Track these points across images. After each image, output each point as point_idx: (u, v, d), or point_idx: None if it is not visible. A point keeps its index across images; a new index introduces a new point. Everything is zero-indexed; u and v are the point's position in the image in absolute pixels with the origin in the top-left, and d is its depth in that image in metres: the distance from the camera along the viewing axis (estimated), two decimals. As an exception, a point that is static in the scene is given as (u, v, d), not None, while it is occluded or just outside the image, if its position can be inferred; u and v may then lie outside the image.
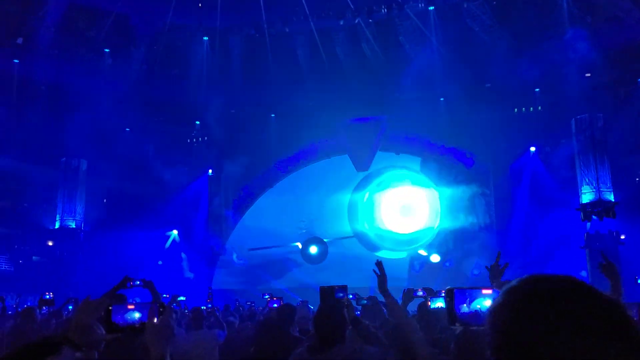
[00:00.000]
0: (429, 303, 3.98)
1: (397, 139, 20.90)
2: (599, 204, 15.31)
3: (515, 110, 18.25)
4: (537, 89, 18.22)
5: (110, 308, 1.69)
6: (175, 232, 20.97)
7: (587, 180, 15.66)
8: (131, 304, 1.75)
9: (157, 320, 1.60)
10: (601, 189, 15.42)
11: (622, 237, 15.16)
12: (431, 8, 17.64)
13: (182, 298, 7.17)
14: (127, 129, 20.53)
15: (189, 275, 20.26)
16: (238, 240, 22.41)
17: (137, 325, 1.67)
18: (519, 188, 18.25)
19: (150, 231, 20.33)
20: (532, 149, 18.24)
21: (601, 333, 0.79)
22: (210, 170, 21.06)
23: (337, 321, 2.97)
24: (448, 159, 20.66)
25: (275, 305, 6.45)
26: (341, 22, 18.54)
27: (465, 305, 1.55)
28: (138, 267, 17.82)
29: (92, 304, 1.71)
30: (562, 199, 17.17)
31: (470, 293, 1.55)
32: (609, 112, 15.82)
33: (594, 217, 15.39)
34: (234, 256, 22.42)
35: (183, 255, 20.70)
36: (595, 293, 0.84)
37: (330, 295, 3.33)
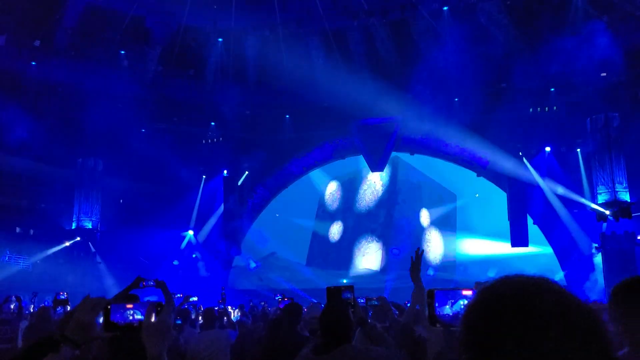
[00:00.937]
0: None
1: (412, 140, 20.82)
2: (614, 204, 15.13)
3: (531, 110, 18.09)
4: (552, 89, 18.02)
5: (109, 307, 1.72)
6: (191, 232, 21.13)
7: (602, 180, 15.48)
8: (130, 303, 1.78)
9: (155, 319, 1.63)
10: (617, 189, 15.24)
11: (639, 237, 14.95)
12: (445, 8, 17.58)
13: (194, 298, 7.25)
14: (143, 130, 20.73)
15: (204, 274, 20.40)
16: (252, 241, 22.57)
17: (135, 325, 1.71)
18: (535, 188, 18.08)
19: (166, 231, 20.51)
20: (548, 148, 18.05)
21: (567, 335, 0.81)
22: (225, 171, 21.17)
23: (343, 321, 2.99)
24: (463, 159, 20.55)
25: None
26: (355, 23, 18.54)
27: (447, 307, 1.56)
28: (154, 267, 18.02)
29: (92, 302, 1.75)
30: (578, 200, 17.00)
31: (453, 294, 1.56)
32: (624, 111, 15.63)
33: (609, 217, 15.20)
34: (251, 263, 22.65)
35: (197, 254, 20.84)
36: (566, 295, 0.87)
37: (337, 295, 3.35)
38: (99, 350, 2.32)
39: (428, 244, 24.49)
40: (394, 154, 21.78)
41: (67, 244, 18.07)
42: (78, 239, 18.15)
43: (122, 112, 18.74)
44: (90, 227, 18.49)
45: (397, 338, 3.78)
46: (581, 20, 15.76)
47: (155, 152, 20.10)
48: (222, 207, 21.18)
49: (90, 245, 18.33)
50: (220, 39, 19.83)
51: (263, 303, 11.37)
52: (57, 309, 6.07)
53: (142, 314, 1.69)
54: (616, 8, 15.53)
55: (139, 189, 19.93)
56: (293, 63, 19.81)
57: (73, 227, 18.41)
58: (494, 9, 17.12)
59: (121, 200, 20.87)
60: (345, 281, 21.31)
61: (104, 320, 1.70)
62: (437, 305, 1.56)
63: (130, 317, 1.70)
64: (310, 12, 18.93)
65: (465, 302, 1.53)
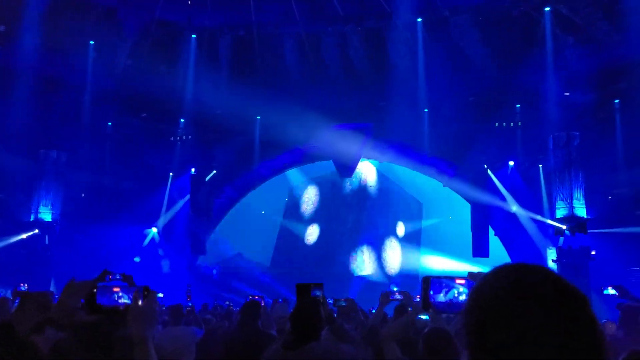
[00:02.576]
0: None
1: (381, 147, 21.09)
2: (572, 220, 15.70)
3: (497, 124, 18.57)
4: (518, 105, 18.57)
5: (94, 290, 1.74)
6: (154, 229, 20.82)
7: (561, 195, 16.04)
8: (117, 286, 1.80)
9: (142, 303, 1.66)
10: (574, 205, 15.81)
11: (593, 252, 15.53)
12: (419, 20, 17.89)
13: (160, 295, 7.19)
14: (110, 123, 20.37)
15: (168, 270, 20.14)
16: (217, 242, 22.42)
17: (121, 308, 1.72)
18: (497, 201, 18.55)
19: (129, 228, 20.17)
20: (511, 163, 18.56)
21: (563, 319, 0.89)
22: (193, 169, 20.96)
23: (313, 318, 3.05)
24: (430, 169, 20.93)
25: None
26: (330, 28, 18.68)
27: (441, 295, 1.64)
28: (114, 263, 17.67)
29: (77, 286, 1.76)
30: (537, 213, 17.54)
31: (447, 283, 1.65)
32: (585, 130, 16.23)
33: (566, 232, 15.74)
34: (214, 272, 22.50)
35: (161, 252, 20.56)
36: (564, 281, 0.95)
37: (307, 292, 3.40)
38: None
39: (391, 252, 24.80)
40: (364, 160, 22.03)
41: (24, 236, 17.56)
42: (36, 231, 17.66)
43: (89, 104, 18.37)
44: (50, 219, 18.00)
45: (365, 338, 3.86)
46: (548, 40, 16.30)
47: (122, 147, 19.77)
48: (188, 206, 20.97)
49: (46, 238, 17.82)
50: (193, 35, 19.66)
51: (228, 302, 11.32)
52: (16, 301, 5.94)
53: (128, 298, 1.72)
54: (581, 30, 16.12)
55: (103, 183, 19.53)
56: (266, 64, 19.82)
57: (31, 219, 17.90)
58: (466, 24, 17.52)
59: (83, 194, 20.42)
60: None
61: (89, 303, 1.71)
62: (432, 292, 1.63)
63: (118, 300, 1.72)
64: (286, 15, 18.97)
65: (460, 290, 1.62)
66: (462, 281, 1.65)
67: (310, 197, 26.46)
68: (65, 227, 18.55)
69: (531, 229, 17.68)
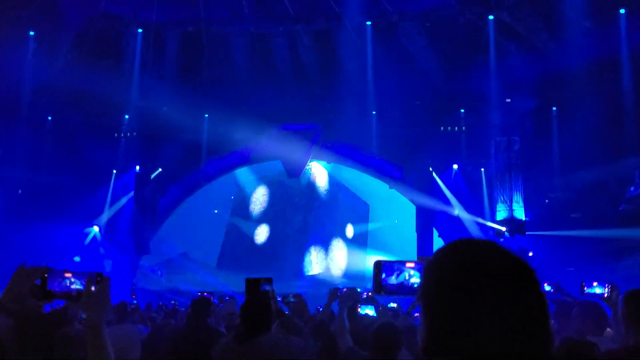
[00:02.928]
0: (359, 309, 4.09)
1: (330, 148, 21.26)
2: (511, 222, 16.37)
3: (442, 128, 19.10)
4: (462, 110, 19.18)
5: (46, 276, 1.70)
6: (96, 228, 20.15)
7: (502, 198, 16.69)
8: (69, 272, 1.76)
9: (95, 289, 1.63)
10: (514, 207, 16.50)
11: (530, 254, 16.22)
12: (368, 23, 18.16)
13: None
14: (49, 118, 19.58)
15: (109, 270, 19.52)
16: (162, 242, 21.93)
17: (73, 294, 1.69)
18: (441, 203, 19.07)
19: (70, 227, 19.43)
20: (455, 166, 19.13)
21: (511, 289, 0.95)
22: (137, 167, 20.42)
23: (264, 311, 3.08)
24: (377, 170, 21.26)
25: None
26: (280, 28, 18.67)
27: (393, 277, 1.69)
28: (53, 263, 16.96)
29: (27, 271, 1.72)
30: (479, 215, 18.16)
31: (398, 266, 1.70)
32: (525, 136, 16.95)
33: (505, 233, 16.40)
34: (158, 273, 22.03)
35: (102, 250, 19.92)
36: (512, 254, 1.02)
37: (256, 287, 3.41)
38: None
39: (338, 252, 25.03)
40: (312, 160, 22.13)
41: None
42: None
43: (27, 98, 17.59)
44: (-16, 218, 17.12)
45: (313, 332, 3.91)
46: (491, 48, 16.93)
47: (63, 142, 19.04)
48: (132, 204, 20.42)
49: None
50: (140, 30, 19.16)
51: (173, 301, 11.12)
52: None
53: (81, 284, 1.69)
54: (523, 39, 16.84)
55: (42, 180, 18.72)
56: (215, 62, 19.58)
57: (-37, 217, 16.97)
58: (413, 30, 17.93)
59: (20, 191, 19.54)
60: None
61: (41, 289, 1.67)
62: (384, 275, 1.68)
63: (70, 286, 1.69)
64: (235, 13, 18.81)
65: (411, 273, 1.67)
66: (412, 264, 1.71)
67: (258, 197, 26.31)
68: (0, 226, 17.67)
69: (473, 231, 18.28)
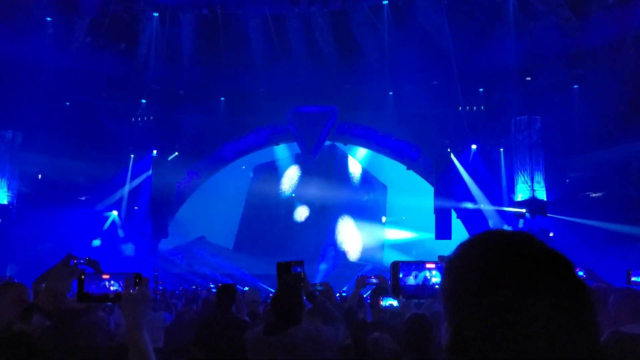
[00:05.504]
0: (381, 302, 4.05)
1: (346, 130, 21.16)
2: (532, 202, 16.15)
3: (460, 108, 18.84)
4: (481, 89, 18.87)
5: (83, 277, 1.68)
6: (115, 212, 20.36)
7: (522, 179, 16.46)
8: (106, 273, 1.74)
9: (134, 290, 1.61)
10: (535, 188, 16.26)
11: (551, 234, 16.05)
12: (385, 2, 17.86)
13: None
14: (67, 103, 19.69)
15: (131, 254, 19.77)
16: (180, 226, 22.11)
17: (111, 296, 1.67)
18: (459, 184, 18.91)
19: (89, 210, 19.68)
20: (474, 146, 18.90)
21: (551, 286, 0.87)
22: (155, 151, 20.53)
23: (294, 303, 3.05)
24: (394, 151, 21.13)
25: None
26: (296, 9, 18.45)
27: (412, 277, 1.61)
28: (73, 247, 17.23)
29: (65, 272, 1.70)
30: (499, 196, 17.98)
31: (416, 266, 1.61)
32: (546, 114, 16.64)
33: (526, 214, 16.21)
34: (178, 257, 22.26)
35: (121, 232, 20.14)
36: (549, 248, 0.92)
37: (287, 270, 3.38)
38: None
39: (356, 235, 25.05)
40: (329, 142, 22.06)
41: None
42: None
43: (46, 83, 17.68)
44: (6, 203, 17.36)
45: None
46: (511, 26, 16.57)
47: (81, 127, 19.17)
48: (150, 188, 20.57)
49: None
50: (155, 14, 19.09)
51: (194, 287, 11.22)
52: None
53: (119, 285, 1.67)
54: (543, 16, 16.44)
55: (61, 165, 18.91)
56: (230, 45, 19.47)
57: (-14, 203, 17.23)
58: (430, 9, 17.60)
59: (40, 176, 19.78)
60: None
61: (78, 291, 1.66)
62: (401, 275, 1.59)
63: (109, 288, 1.67)
64: (250, -6, 18.62)
65: (433, 273, 1.59)
66: (432, 265, 1.63)
67: (291, 175, 26.26)
68: (22, 210, 17.94)
69: (491, 214, 18.12)
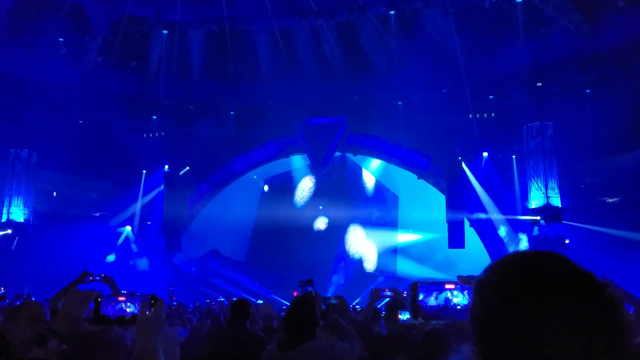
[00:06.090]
0: (399, 316, 3.98)
1: (356, 140, 21.16)
2: (547, 209, 15.98)
3: (470, 115, 18.77)
4: (491, 96, 18.80)
5: (99, 299, 1.69)
6: (128, 228, 20.50)
7: (536, 185, 16.31)
8: (122, 295, 1.76)
9: (149, 312, 1.62)
10: (549, 195, 16.10)
11: (567, 241, 15.85)
12: (392, 12, 17.93)
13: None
14: (80, 121, 19.95)
15: (145, 268, 19.88)
16: (193, 239, 22.16)
17: (127, 318, 1.68)
18: (471, 192, 18.78)
19: (102, 226, 19.83)
20: (485, 154, 18.80)
21: (581, 306, 0.85)
22: (166, 166, 20.68)
23: (308, 317, 3.04)
24: (404, 161, 21.06)
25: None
26: (303, 22, 18.58)
27: (432, 298, 1.57)
28: (87, 263, 17.34)
29: (80, 295, 1.72)
30: (512, 204, 17.82)
31: (437, 287, 1.58)
32: (558, 120, 16.51)
33: (541, 222, 16.03)
34: (193, 269, 22.31)
35: (134, 247, 20.26)
36: (579, 268, 0.90)
37: (298, 290, 3.37)
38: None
39: (369, 245, 24.91)
40: (339, 153, 22.06)
41: (-5, 237, 17.15)
42: (9, 231, 17.23)
43: (59, 102, 17.95)
44: (22, 220, 17.57)
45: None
46: (520, 31, 16.52)
47: (94, 145, 19.40)
48: (162, 203, 20.70)
49: (15, 240, 17.42)
50: (165, 31, 19.33)
51: (208, 301, 11.23)
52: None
53: (135, 307, 1.68)
54: (552, 22, 16.38)
55: (75, 182, 19.15)
56: (239, 59, 19.64)
57: (3, 220, 17.45)
58: (437, 17, 17.63)
59: (55, 193, 20.02)
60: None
61: (94, 314, 1.67)
62: (421, 296, 1.56)
63: (127, 310, 1.68)
64: (258, 9, 18.79)
65: (455, 293, 1.55)
66: (452, 285, 1.59)
67: (305, 186, 26.20)
68: (37, 227, 18.16)
69: (504, 222, 17.96)
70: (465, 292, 1.52)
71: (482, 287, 0.94)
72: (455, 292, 1.57)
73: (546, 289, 0.86)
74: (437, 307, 1.56)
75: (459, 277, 1.57)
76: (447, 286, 1.58)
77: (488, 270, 0.96)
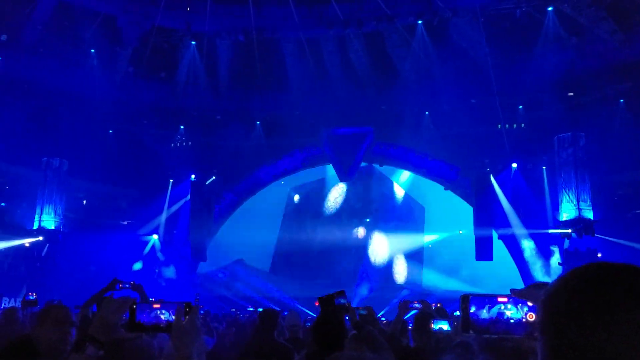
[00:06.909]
0: (432, 325, 3.89)
1: (382, 151, 21.03)
2: (579, 222, 15.57)
3: (499, 126, 18.49)
4: (520, 106, 18.51)
5: (134, 306, 1.68)
6: (155, 236, 20.71)
7: (567, 197, 15.92)
8: (157, 302, 1.74)
9: (185, 320, 1.60)
10: (581, 207, 15.69)
11: (599, 255, 15.41)
12: (420, 22, 17.84)
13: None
14: (110, 131, 20.31)
15: (172, 276, 20.04)
16: (218, 248, 22.27)
17: (162, 325, 1.66)
18: (499, 205, 18.43)
19: (130, 235, 20.08)
20: (514, 165, 18.47)
21: None
22: (193, 176, 20.88)
23: (336, 328, 2.97)
24: (431, 172, 20.83)
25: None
26: (330, 32, 18.63)
27: (484, 311, 1.52)
28: (116, 271, 17.57)
29: (116, 302, 1.71)
30: (542, 216, 17.43)
31: (489, 300, 1.52)
32: (590, 131, 16.14)
33: (572, 234, 15.63)
34: (220, 275, 22.45)
35: (161, 256, 20.43)
36: None
37: (330, 302, 3.31)
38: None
39: (397, 261, 24.71)
40: (365, 164, 21.96)
41: (27, 244, 17.50)
42: (40, 238, 17.60)
43: (90, 112, 18.33)
44: (53, 227, 17.93)
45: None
46: (551, 41, 16.25)
47: (123, 154, 19.72)
48: (188, 212, 20.87)
49: (46, 247, 17.76)
50: (193, 42, 19.61)
51: (234, 310, 11.23)
52: (26, 310, 5.84)
53: (170, 315, 1.65)
54: (585, 31, 16.07)
55: (104, 191, 19.49)
56: (266, 69, 19.78)
57: (35, 227, 17.82)
58: (467, 26, 17.48)
59: (85, 201, 20.38)
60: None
61: (129, 321, 1.65)
62: (473, 309, 1.51)
63: (161, 317, 1.66)
64: (285, 19, 18.92)
65: (509, 307, 1.49)
66: (505, 299, 1.52)
67: (306, 203, 26.22)
68: (67, 235, 18.49)
69: (531, 237, 17.60)
70: (519, 305, 1.45)
71: (555, 298, 0.90)
72: (508, 306, 1.51)
73: (624, 302, 0.83)
74: (490, 320, 1.50)
75: (512, 290, 1.50)
76: (500, 299, 1.52)
77: (562, 282, 0.92)
